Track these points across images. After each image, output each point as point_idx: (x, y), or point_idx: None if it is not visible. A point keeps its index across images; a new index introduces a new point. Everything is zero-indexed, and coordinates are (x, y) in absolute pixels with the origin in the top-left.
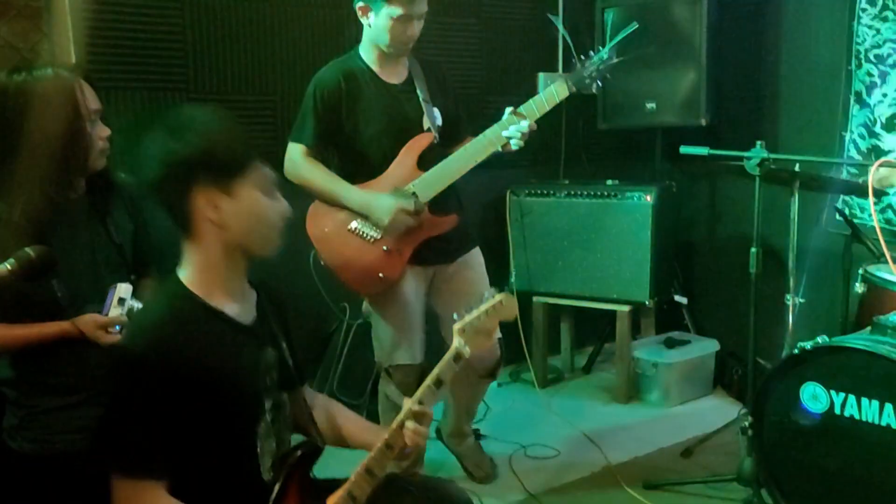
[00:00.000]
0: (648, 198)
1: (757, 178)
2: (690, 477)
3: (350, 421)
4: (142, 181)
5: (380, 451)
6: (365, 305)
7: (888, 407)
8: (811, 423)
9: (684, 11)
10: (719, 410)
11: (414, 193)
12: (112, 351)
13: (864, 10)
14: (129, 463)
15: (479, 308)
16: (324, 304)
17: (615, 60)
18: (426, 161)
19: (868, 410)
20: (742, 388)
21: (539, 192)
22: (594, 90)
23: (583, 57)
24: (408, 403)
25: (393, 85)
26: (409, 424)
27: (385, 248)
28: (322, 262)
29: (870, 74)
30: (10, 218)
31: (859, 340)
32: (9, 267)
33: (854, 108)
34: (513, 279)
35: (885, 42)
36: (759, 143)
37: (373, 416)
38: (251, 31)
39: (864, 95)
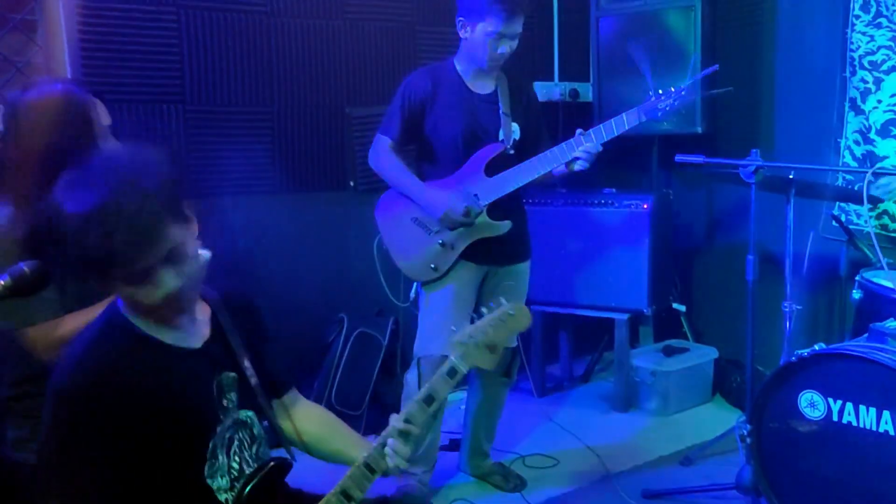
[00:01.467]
0: (645, 206)
1: (753, 186)
2: (690, 485)
3: (344, 434)
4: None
5: (358, 472)
6: (413, 292)
7: (886, 414)
8: (810, 430)
9: (678, 20)
10: (718, 418)
11: (476, 195)
12: (48, 383)
13: (857, 17)
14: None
15: (482, 320)
16: (323, 313)
17: (690, 98)
18: (495, 168)
19: (866, 417)
20: (741, 395)
21: (536, 200)
22: (665, 123)
23: (660, 91)
24: (393, 421)
25: (478, 95)
26: (391, 443)
27: (441, 241)
28: (384, 247)
29: (864, 81)
30: (14, 231)
31: (857, 347)
32: (2, 283)
33: (849, 115)
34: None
35: (878, 48)
36: (754, 150)
37: (371, 427)
38: (246, 43)
39: (859, 102)
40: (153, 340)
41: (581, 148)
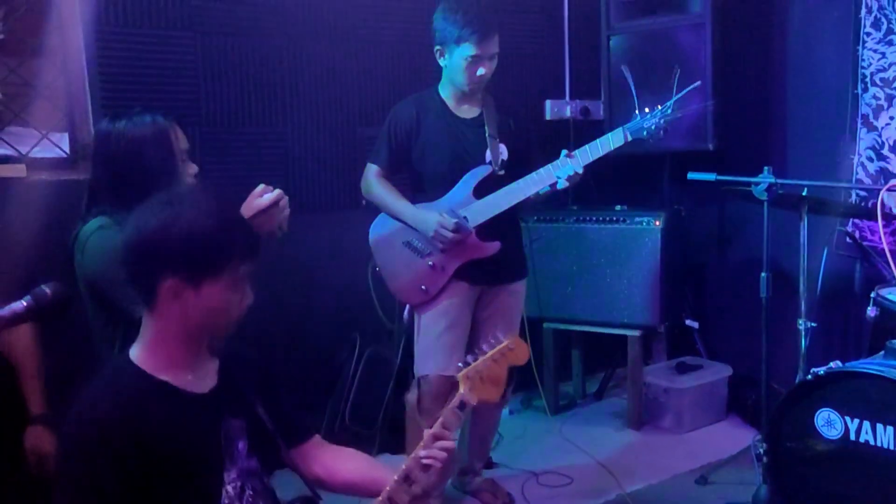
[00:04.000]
0: (657, 223)
1: (765, 203)
2: None
3: (379, 467)
4: (122, 246)
5: None
6: (406, 312)
7: None
8: (826, 449)
9: (690, 37)
10: (733, 436)
11: (465, 217)
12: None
13: (868, 34)
14: None
15: (485, 355)
16: (335, 333)
17: (677, 115)
18: (485, 190)
19: (883, 436)
20: (756, 413)
21: (548, 217)
22: (651, 140)
23: (647, 109)
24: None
25: (463, 119)
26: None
27: (430, 263)
28: (377, 269)
29: (876, 98)
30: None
31: (873, 365)
32: (24, 304)
33: (861, 132)
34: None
35: (890, 65)
36: (766, 168)
37: (385, 446)
38: (260, 66)
39: (871, 118)
40: (163, 385)
41: (564, 169)
